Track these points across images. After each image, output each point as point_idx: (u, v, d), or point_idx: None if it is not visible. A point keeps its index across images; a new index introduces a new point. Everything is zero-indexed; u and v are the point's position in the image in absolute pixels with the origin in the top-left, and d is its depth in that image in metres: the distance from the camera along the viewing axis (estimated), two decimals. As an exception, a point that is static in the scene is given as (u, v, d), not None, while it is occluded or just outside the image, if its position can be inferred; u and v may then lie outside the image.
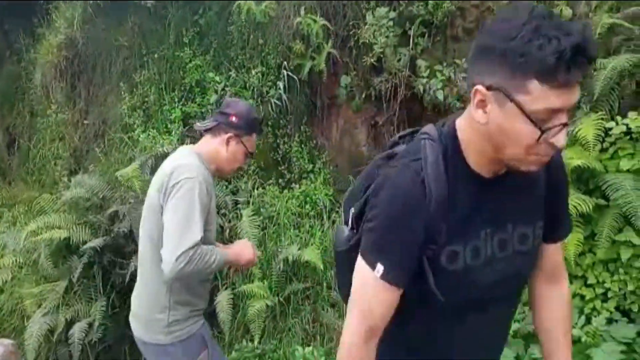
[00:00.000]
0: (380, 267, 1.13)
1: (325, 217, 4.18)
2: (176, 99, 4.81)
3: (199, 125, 1.99)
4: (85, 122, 5.45)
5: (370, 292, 1.15)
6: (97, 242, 3.96)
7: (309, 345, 3.32)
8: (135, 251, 3.93)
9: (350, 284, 1.21)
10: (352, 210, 1.28)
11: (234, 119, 1.93)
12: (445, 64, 4.35)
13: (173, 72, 4.97)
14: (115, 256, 4.06)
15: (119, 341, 3.98)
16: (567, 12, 3.89)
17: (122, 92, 5.00)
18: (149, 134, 4.59)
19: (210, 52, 4.82)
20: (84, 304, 4.00)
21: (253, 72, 4.57)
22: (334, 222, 4.17)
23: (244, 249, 2.03)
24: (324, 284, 3.69)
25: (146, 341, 1.99)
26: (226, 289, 3.73)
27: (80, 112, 5.47)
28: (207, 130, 1.97)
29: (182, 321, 1.94)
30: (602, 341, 2.73)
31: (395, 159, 1.20)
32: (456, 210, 1.12)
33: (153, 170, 4.32)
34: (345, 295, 1.27)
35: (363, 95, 4.49)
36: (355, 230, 1.28)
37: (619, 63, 3.39)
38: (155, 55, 5.04)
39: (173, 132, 4.63)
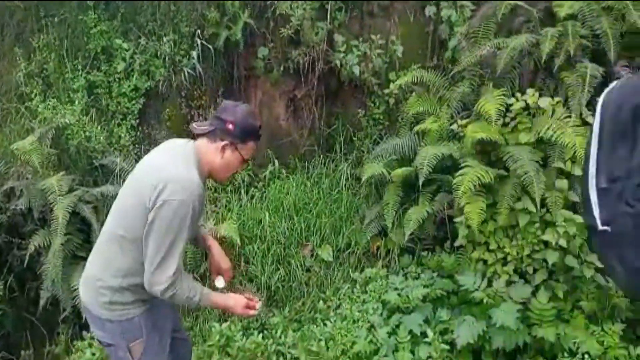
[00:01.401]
0: None
1: (243, 192, 3.99)
2: (79, 67, 4.32)
3: (195, 127, 1.91)
4: (-25, 90, 4.76)
5: None
6: (-10, 222, 3.51)
7: (226, 321, 3.17)
8: (35, 230, 3.56)
9: None
10: None
11: (230, 126, 1.85)
12: (361, 40, 4.27)
13: (76, 38, 4.45)
14: (12, 236, 3.64)
15: (19, 327, 3.58)
16: (474, -8, 3.93)
17: (17, 58, 4.40)
18: (48, 104, 4.08)
19: (118, 17, 4.37)
20: (-24, 288, 3.54)
21: (164, 39, 4.21)
22: (252, 197, 4.00)
23: (232, 307, 2.01)
24: (242, 259, 3.53)
25: (89, 308, 1.94)
26: (138, 267, 3.45)
27: (-32, 79, 4.76)
28: (205, 134, 1.89)
29: (125, 303, 1.90)
30: (501, 301, 2.84)
31: None
32: None
33: (54, 143, 3.87)
34: None
35: (281, 68, 4.31)
36: None
37: (519, 43, 3.49)
38: (55, 19, 4.48)
39: (77, 102, 4.16)
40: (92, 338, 3.16)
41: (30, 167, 3.73)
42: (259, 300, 2.06)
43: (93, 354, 3.01)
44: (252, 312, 2.01)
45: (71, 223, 3.47)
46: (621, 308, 2.88)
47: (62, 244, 3.39)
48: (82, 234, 3.60)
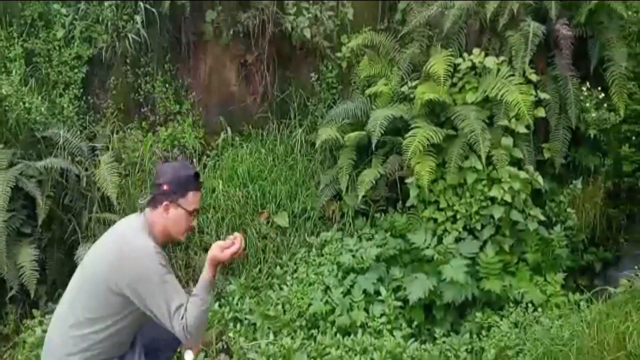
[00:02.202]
0: None
1: (195, 160, 3.80)
2: (15, 34, 3.94)
3: (141, 202, 1.96)
4: None
5: None
6: None
7: (181, 290, 3.04)
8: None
9: None
10: None
11: (165, 187, 1.87)
12: (311, 2, 4.07)
13: (10, 4, 4.03)
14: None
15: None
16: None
17: (-55, 26, 3.96)
18: (-17, 75, 3.71)
19: (54, -19, 3.97)
20: None
21: (106, 4, 3.90)
22: (205, 165, 3.82)
23: (213, 254, 1.86)
24: (196, 229, 3.38)
25: None
26: (87, 241, 3.26)
27: None
28: (148, 204, 1.92)
29: None
30: (451, 258, 2.84)
31: None
32: None
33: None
34: None
35: (230, 32, 4.06)
36: None
37: (465, 2, 3.41)
38: (-15, -17, 4.03)
39: (14, 72, 3.81)
40: (42, 315, 2.98)
41: (-35, 140, 3.41)
42: (236, 236, 1.88)
43: (44, 331, 2.83)
44: (233, 249, 1.83)
45: (14, 199, 3.22)
46: (562, 258, 2.95)
47: (5, 221, 3.14)
48: (27, 209, 3.35)
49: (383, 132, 3.27)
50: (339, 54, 4.03)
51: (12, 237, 3.23)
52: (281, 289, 3.08)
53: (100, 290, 1.78)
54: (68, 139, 3.56)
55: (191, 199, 1.90)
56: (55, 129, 3.62)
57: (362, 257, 2.99)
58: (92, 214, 3.40)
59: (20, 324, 3.07)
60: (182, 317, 1.73)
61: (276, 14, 4.00)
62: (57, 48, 3.94)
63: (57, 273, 3.34)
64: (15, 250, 3.20)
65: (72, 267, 3.25)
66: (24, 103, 3.65)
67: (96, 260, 1.86)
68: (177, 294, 1.76)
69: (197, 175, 1.93)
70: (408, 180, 3.20)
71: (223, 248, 1.83)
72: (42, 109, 3.68)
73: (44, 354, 1.92)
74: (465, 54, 3.40)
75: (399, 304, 2.80)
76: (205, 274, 1.83)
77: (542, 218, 3.01)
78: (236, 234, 1.89)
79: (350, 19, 4.07)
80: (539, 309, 2.70)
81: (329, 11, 4.04)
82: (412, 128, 3.21)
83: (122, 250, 1.80)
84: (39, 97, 3.75)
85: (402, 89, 3.51)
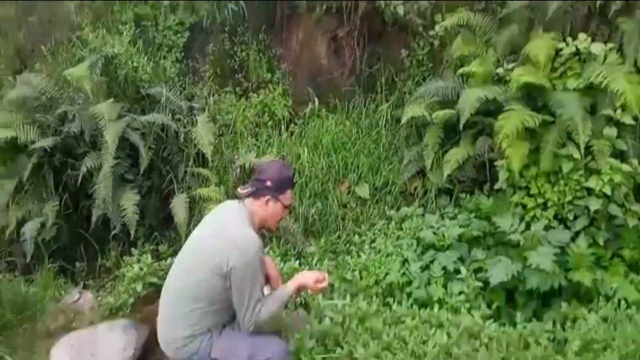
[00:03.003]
0: None
1: (283, 127, 3.82)
2: (127, 0, 4.09)
3: (241, 192, 2.11)
4: (30, 19, 4.61)
5: None
6: (46, 142, 3.50)
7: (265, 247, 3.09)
8: (86, 153, 3.50)
9: None
10: None
11: (268, 183, 2.06)
12: (407, -21, 3.90)
13: (125, -28, 4.19)
14: (66, 157, 3.60)
15: (74, 242, 3.61)
16: None
17: (69, -12, 4.20)
18: (98, 34, 3.91)
19: (164, -50, 4.08)
20: (35, 203, 3.60)
21: (209, -26, 3.93)
22: (292, 133, 3.83)
23: (307, 284, 2.08)
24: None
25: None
26: (182, 192, 3.38)
27: (23, 8, 4.60)
28: (249, 195, 2.09)
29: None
30: (539, 245, 2.66)
31: None
32: None
33: (104, 72, 3.75)
34: None
35: (324, 7, 3.99)
36: None
37: (574, -15, 3.11)
38: (105, -49, 4.22)
39: (124, 34, 3.99)
40: (140, 254, 3.15)
41: (81, 93, 3.64)
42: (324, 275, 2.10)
43: (141, 269, 2.99)
44: (323, 284, 2.08)
45: (120, 148, 3.40)
46: (663, 258, 2.68)
47: (112, 167, 3.34)
48: (130, 159, 3.55)
49: (474, 112, 3.10)
50: (432, 32, 3.85)
51: (117, 182, 3.44)
52: (359, 256, 3.04)
53: (207, 275, 1.91)
54: (169, 98, 3.69)
55: (288, 196, 2.12)
56: (159, 87, 3.77)
57: (443, 235, 2.87)
58: (188, 168, 3.53)
59: (121, 260, 3.27)
60: (258, 310, 1.90)
61: (370, -10, 3.88)
62: (163, 14, 4.08)
63: (153, 218, 3.54)
64: (119, 194, 3.40)
65: (167, 215, 3.45)
66: (132, 62, 3.83)
67: (204, 247, 1.99)
68: (260, 289, 1.94)
69: (293, 175, 2.15)
70: (498, 163, 3.02)
71: (317, 281, 2.05)
72: (148, 68, 3.85)
73: (160, 328, 2.06)
74: (569, 39, 3.13)
75: (479, 284, 2.68)
76: (289, 290, 2.03)
77: (644, 215, 2.74)
78: (325, 273, 2.11)
79: (446, -3, 3.87)
80: (633, 307, 2.48)
81: (424, -12, 3.86)
82: (506, 110, 3.02)
83: (233, 238, 1.93)
84: (145, 58, 3.91)
85: (498, 71, 3.29)
